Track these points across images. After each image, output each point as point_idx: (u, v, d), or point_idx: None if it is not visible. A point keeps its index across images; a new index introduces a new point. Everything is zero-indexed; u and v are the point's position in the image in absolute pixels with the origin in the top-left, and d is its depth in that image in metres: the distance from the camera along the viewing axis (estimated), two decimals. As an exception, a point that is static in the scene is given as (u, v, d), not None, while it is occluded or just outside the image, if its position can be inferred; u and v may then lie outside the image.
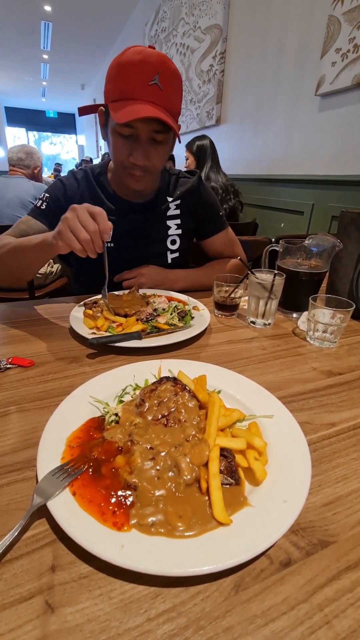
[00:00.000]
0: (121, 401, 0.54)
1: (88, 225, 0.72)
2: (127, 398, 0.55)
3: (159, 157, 0.94)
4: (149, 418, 0.47)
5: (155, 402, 0.49)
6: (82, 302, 0.89)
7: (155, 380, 0.59)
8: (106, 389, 0.56)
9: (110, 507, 0.36)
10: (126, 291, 0.97)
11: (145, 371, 0.62)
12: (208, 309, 0.92)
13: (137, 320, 0.81)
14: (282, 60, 2.37)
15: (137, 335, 0.74)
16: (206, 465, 0.40)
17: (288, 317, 0.98)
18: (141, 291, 0.99)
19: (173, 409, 0.48)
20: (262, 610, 0.31)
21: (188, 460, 0.40)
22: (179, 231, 1.13)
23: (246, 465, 0.42)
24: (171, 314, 0.85)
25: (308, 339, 0.83)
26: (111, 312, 0.83)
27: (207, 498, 0.38)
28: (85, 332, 0.76)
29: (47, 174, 9.20)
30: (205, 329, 0.82)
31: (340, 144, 1.98)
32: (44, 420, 0.51)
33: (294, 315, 0.97)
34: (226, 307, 0.94)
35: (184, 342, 0.77)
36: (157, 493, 0.38)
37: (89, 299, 0.90)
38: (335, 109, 1.98)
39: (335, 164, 2.02)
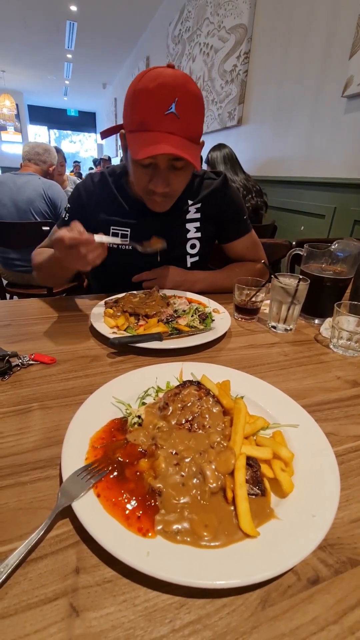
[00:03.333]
0: (143, 403, 0.53)
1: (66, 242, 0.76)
2: (148, 400, 0.55)
3: (179, 182, 0.93)
4: (173, 422, 0.46)
5: (179, 405, 0.48)
6: (103, 301, 0.90)
7: (177, 383, 0.59)
8: (128, 390, 0.56)
9: (135, 512, 0.36)
10: (146, 291, 0.97)
11: (167, 373, 0.61)
12: (228, 312, 0.91)
13: (158, 321, 0.80)
14: (308, 61, 2.33)
15: (158, 337, 0.74)
16: (232, 473, 0.40)
17: (310, 323, 0.96)
18: (161, 292, 0.98)
19: (197, 414, 0.47)
20: (290, 629, 0.30)
21: (214, 467, 0.40)
22: (199, 234, 1.12)
23: (272, 476, 0.41)
24: (192, 316, 0.84)
25: (331, 346, 0.81)
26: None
27: (232, 508, 0.37)
28: (106, 331, 0.76)
29: (66, 171, 9.31)
30: (226, 332, 0.81)
31: (366, 146, 1.93)
32: (66, 419, 0.51)
33: (316, 321, 0.95)
34: (247, 311, 0.93)
35: (204, 345, 0.76)
36: (182, 500, 0.37)
37: (110, 298, 0.90)
38: (363, 111, 1.93)
39: (360, 167, 1.98)
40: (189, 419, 0.47)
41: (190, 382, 0.52)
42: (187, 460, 0.41)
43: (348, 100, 2.02)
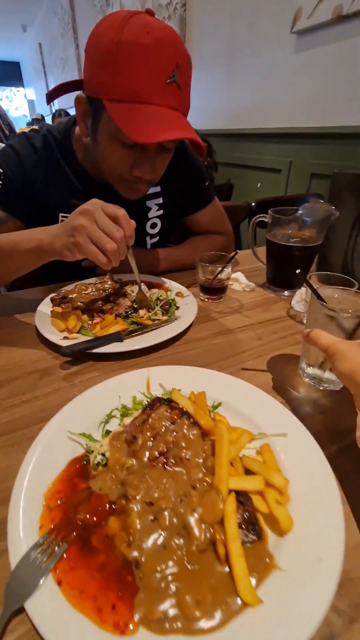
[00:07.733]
0: (107, 431, 0.45)
1: (113, 233, 0.60)
2: (113, 424, 0.47)
3: (165, 165, 0.78)
4: (144, 458, 0.38)
5: (149, 434, 0.40)
6: (48, 297, 0.77)
7: (144, 397, 0.50)
8: (87, 416, 0.47)
9: (108, 599, 0.29)
10: (96, 279, 0.85)
11: (131, 385, 0.53)
12: (192, 294, 0.83)
13: (116, 317, 0.70)
14: (252, -8, 2.09)
15: (118, 337, 0.64)
16: (221, 521, 0.33)
17: (279, 295, 0.89)
18: (116, 277, 0.86)
19: (172, 444, 0.40)
20: None
21: (198, 517, 0.33)
22: (161, 212, 0.98)
23: (266, 511, 0.35)
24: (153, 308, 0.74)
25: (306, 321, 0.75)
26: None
27: (226, 568, 0.31)
28: (56, 337, 0.64)
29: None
30: (193, 321, 0.73)
31: (319, 90, 1.81)
32: (14, 463, 0.42)
33: (286, 293, 0.89)
34: (213, 290, 0.85)
35: (170, 338, 0.67)
36: (166, 570, 0.30)
37: (56, 293, 0.77)
38: (314, 49, 1.78)
39: (315, 114, 1.87)
40: (163, 451, 0.39)
41: (160, 400, 0.44)
42: (167, 512, 0.33)
43: (297, 36, 1.85)
